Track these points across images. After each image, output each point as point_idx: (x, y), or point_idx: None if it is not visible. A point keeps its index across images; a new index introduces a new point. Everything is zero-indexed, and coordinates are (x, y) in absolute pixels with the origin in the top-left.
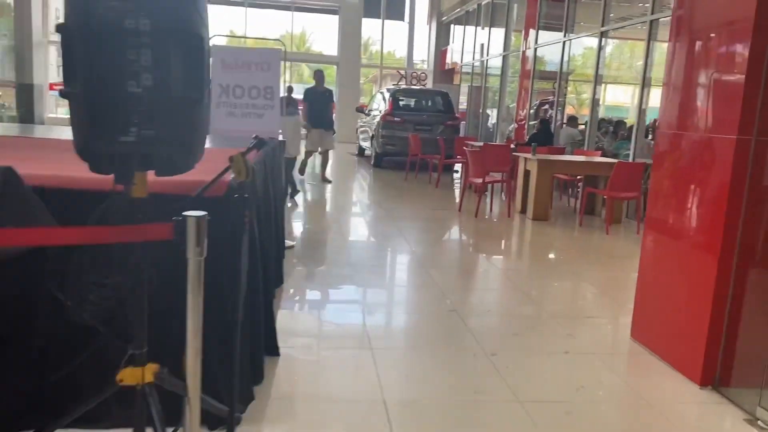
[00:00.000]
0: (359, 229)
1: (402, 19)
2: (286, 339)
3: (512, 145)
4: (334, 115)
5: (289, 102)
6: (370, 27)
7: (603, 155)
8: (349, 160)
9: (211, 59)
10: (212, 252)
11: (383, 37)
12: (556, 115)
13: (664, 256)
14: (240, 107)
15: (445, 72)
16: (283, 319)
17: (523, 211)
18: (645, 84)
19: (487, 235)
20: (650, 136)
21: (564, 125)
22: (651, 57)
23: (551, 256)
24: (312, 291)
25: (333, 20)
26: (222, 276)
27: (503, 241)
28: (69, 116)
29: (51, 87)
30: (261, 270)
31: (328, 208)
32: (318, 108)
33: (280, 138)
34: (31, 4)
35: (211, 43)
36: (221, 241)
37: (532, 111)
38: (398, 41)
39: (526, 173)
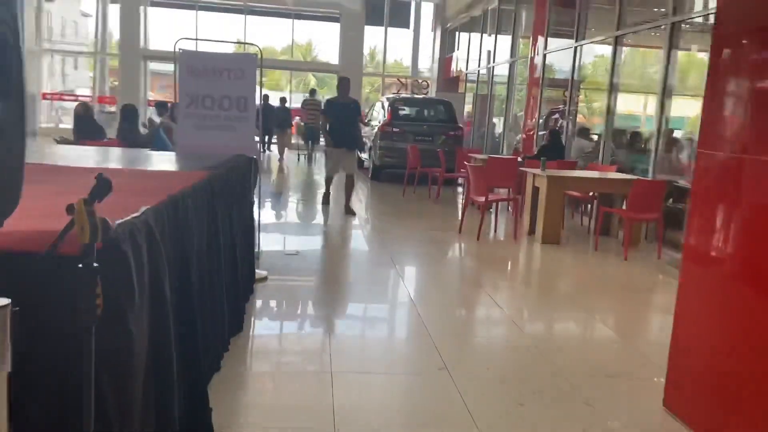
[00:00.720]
0: (345, 257)
1: (407, 26)
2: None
3: (519, 158)
4: (362, 131)
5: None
6: (375, 35)
7: (619, 170)
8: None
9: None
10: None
11: (386, 44)
12: (567, 126)
13: (710, 301)
14: (210, 119)
15: (449, 80)
16: (227, 395)
17: (532, 232)
18: (666, 93)
19: (489, 264)
20: (675, 151)
21: (575, 136)
22: (671, 63)
23: (563, 289)
24: (271, 343)
25: (338, 29)
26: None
27: (508, 272)
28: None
29: (43, 96)
30: (176, 342)
31: (312, 229)
32: (342, 123)
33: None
34: (23, 12)
35: (178, 47)
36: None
37: (541, 121)
38: (404, 49)
39: (535, 190)
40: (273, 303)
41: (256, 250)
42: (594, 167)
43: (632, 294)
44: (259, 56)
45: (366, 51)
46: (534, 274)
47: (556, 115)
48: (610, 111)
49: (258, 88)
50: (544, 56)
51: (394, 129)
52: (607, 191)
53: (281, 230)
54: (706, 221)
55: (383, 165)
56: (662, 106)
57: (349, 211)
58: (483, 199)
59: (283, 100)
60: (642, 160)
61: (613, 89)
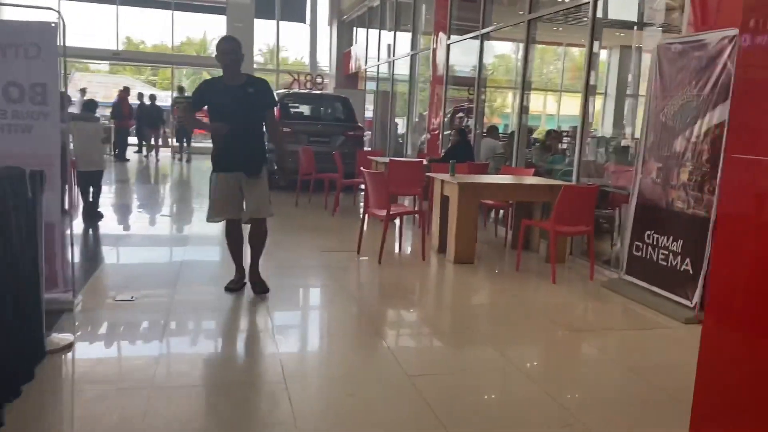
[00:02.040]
0: (200, 301)
1: (303, 20)
2: None
3: (425, 161)
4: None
5: (88, 106)
6: (270, 30)
7: (536, 173)
8: None
9: None
10: None
11: (278, 38)
12: (475, 126)
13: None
14: None
15: (349, 77)
16: None
17: (442, 249)
18: (588, 91)
19: (390, 297)
20: (597, 151)
21: (484, 136)
22: (594, 62)
23: (484, 331)
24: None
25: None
26: None
27: (411, 309)
28: None
29: None
30: None
31: (160, 248)
32: (234, 123)
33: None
34: None
35: None
36: None
37: (446, 119)
38: (304, 45)
39: (444, 200)
40: (66, 358)
41: (74, 299)
42: (508, 170)
43: (567, 331)
44: (61, 26)
45: (264, 48)
46: (446, 312)
47: (460, 114)
48: (523, 109)
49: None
50: (448, 47)
51: (285, 129)
52: (530, 200)
53: (124, 262)
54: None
55: (272, 170)
56: (585, 103)
57: (260, 288)
58: (384, 213)
59: (152, 97)
60: (559, 161)
61: (525, 87)
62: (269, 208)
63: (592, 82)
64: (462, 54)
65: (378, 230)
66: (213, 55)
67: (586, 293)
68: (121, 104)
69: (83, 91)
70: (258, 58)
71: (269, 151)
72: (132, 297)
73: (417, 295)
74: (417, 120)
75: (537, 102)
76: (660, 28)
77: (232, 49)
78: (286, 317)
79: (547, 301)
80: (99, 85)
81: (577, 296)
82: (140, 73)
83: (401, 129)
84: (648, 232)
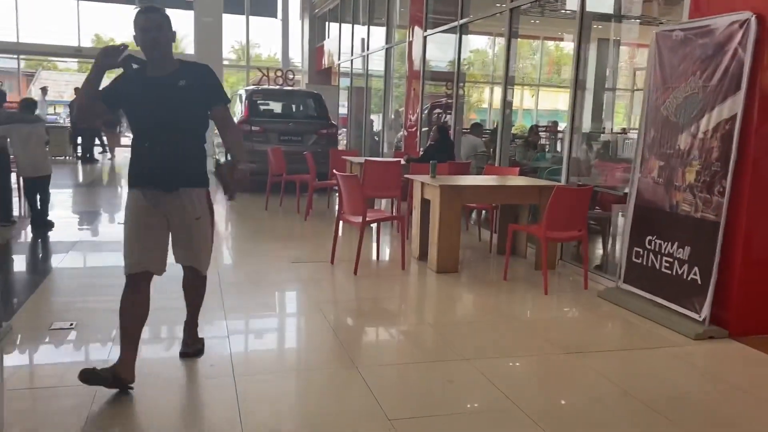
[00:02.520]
0: (150, 325)
1: (275, 15)
2: None
3: (403, 160)
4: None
5: (27, 106)
6: (241, 25)
7: (522, 173)
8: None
9: None
10: None
11: (248, 33)
12: (455, 122)
13: None
14: None
15: (321, 72)
16: None
17: (423, 256)
18: (578, 85)
19: (367, 316)
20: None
21: (465, 133)
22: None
23: (471, 353)
24: None
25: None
26: None
27: (391, 329)
28: None
29: None
30: None
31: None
32: (151, 125)
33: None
34: None
35: None
36: None
37: (424, 115)
38: (276, 41)
39: (425, 203)
40: None
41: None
42: (492, 170)
43: (564, 353)
44: None
45: (237, 45)
46: (428, 328)
47: (438, 110)
48: (506, 104)
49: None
50: (425, 39)
51: (253, 128)
52: (518, 202)
53: (71, 277)
54: None
55: (224, 181)
56: (575, 97)
57: (193, 348)
58: (360, 219)
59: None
60: (544, 158)
61: (508, 80)
62: (207, 259)
63: (580, 77)
64: (438, 49)
65: (354, 237)
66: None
67: (581, 304)
68: None
69: (44, 90)
70: (231, 55)
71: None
72: (71, 324)
73: (397, 312)
74: (393, 117)
75: (513, 97)
76: (637, 20)
77: (155, 23)
78: (250, 346)
79: (540, 316)
80: (68, 84)
81: (571, 308)
82: (115, 71)
83: (377, 126)
84: (649, 238)
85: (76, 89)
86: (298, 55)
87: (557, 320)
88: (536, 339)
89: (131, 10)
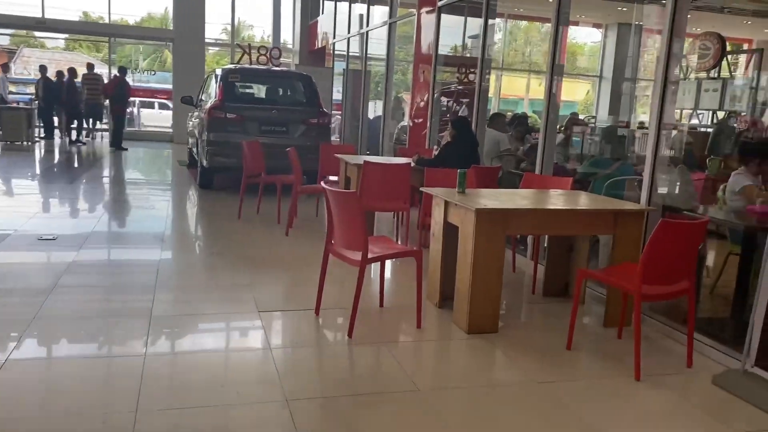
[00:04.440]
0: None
1: None
2: None
3: (412, 161)
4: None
5: None
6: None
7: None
8: (175, 173)
9: None
10: None
11: (234, 9)
12: (477, 115)
13: None
14: None
15: (314, 53)
16: None
17: (445, 303)
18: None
19: (367, 425)
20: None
21: (486, 127)
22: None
23: None
24: None
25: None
26: None
27: None
28: None
29: None
30: None
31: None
32: None
33: None
34: None
35: None
36: None
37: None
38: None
39: (448, 228)
40: None
41: None
42: (533, 179)
43: None
44: None
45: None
46: None
47: (450, 101)
48: (551, 96)
49: None
50: (439, 11)
51: (228, 115)
52: (590, 233)
53: None
54: None
55: (214, 167)
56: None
57: None
58: (359, 257)
59: (60, 74)
60: (605, 165)
61: (555, 69)
62: None
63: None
64: (449, 30)
65: (348, 271)
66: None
67: (694, 400)
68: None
69: (5, 66)
70: (222, 36)
71: None
72: None
73: (409, 416)
74: (394, 105)
75: (518, 85)
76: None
77: None
78: None
79: (635, 416)
80: (53, 62)
81: (678, 406)
82: (98, 50)
83: (375, 114)
84: None
85: (41, 66)
86: (288, 33)
87: (664, 426)
88: None
89: None
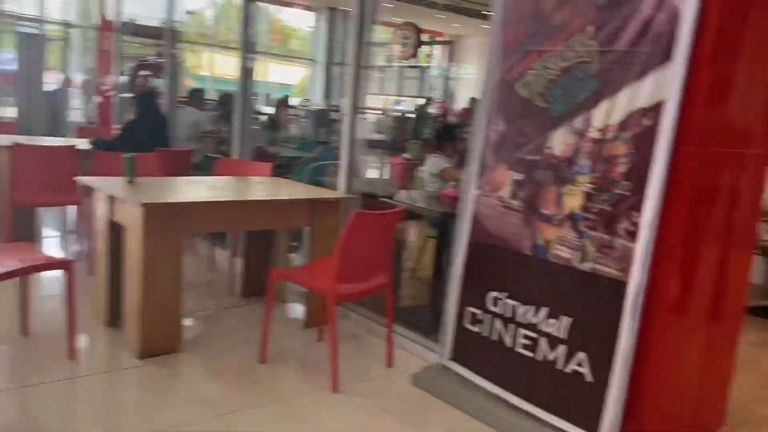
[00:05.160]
0: None
1: None
2: None
3: (91, 144)
4: None
5: None
6: None
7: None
8: None
9: None
10: None
11: None
12: (170, 90)
13: None
14: None
15: None
16: None
17: (117, 320)
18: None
19: None
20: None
21: (181, 104)
22: None
23: None
24: None
25: None
26: None
27: None
28: None
29: None
30: None
31: None
32: None
33: None
34: None
35: None
36: None
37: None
38: None
39: (114, 230)
40: None
41: None
42: (229, 165)
43: None
44: None
45: None
46: None
47: (144, 71)
48: (246, 72)
49: None
50: None
51: None
52: (282, 227)
53: None
54: None
55: None
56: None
57: None
58: None
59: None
60: (308, 147)
61: (248, 45)
62: None
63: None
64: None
65: None
66: None
67: (393, 408)
68: None
69: None
70: None
71: None
72: None
73: None
74: (84, 79)
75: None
76: None
77: None
78: None
79: None
80: None
81: (381, 422)
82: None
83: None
84: (494, 295)
85: None
86: None
87: None
88: None
89: None
